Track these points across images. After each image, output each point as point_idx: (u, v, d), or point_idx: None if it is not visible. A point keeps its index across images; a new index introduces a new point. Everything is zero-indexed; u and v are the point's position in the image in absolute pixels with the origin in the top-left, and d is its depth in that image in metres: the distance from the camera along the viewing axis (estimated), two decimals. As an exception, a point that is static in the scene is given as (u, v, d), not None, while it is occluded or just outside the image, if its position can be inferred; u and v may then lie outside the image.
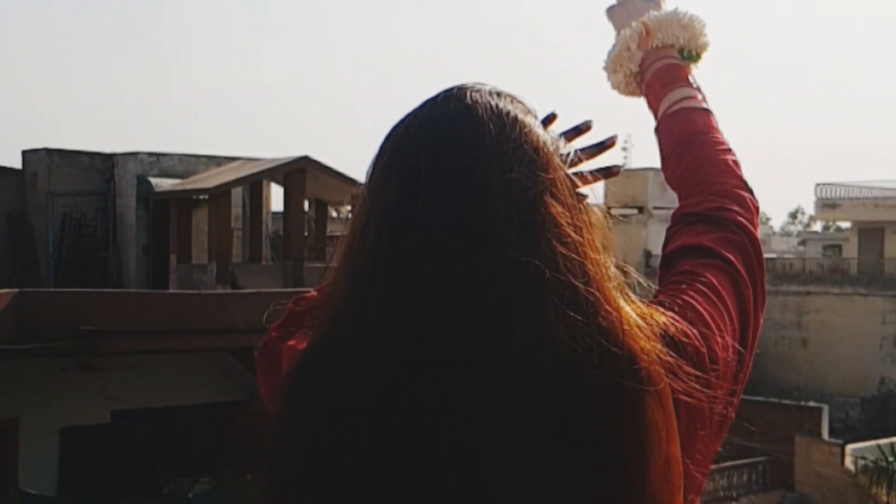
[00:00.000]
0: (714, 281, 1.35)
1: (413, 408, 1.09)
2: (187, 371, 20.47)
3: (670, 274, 1.38)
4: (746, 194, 1.50)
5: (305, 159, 23.50)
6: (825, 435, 28.66)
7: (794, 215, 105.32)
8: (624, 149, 43.37)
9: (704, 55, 1.72)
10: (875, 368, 37.50)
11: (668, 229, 1.49)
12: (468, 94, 1.22)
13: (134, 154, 25.81)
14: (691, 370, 1.19)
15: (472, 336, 1.10)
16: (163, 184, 25.26)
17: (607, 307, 1.14)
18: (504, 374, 1.08)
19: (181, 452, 20.14)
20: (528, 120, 1.22)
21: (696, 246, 1.41)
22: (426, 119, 1.21)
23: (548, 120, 1.34)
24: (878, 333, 38.10)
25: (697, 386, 1.19)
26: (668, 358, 1.16)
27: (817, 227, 71.45)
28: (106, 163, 26.06)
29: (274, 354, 1.52)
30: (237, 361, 20.98)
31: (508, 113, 1.21)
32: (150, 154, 25.98)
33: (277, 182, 25.37)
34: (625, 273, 1.23)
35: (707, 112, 1.63)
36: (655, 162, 1.72)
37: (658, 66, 1.68)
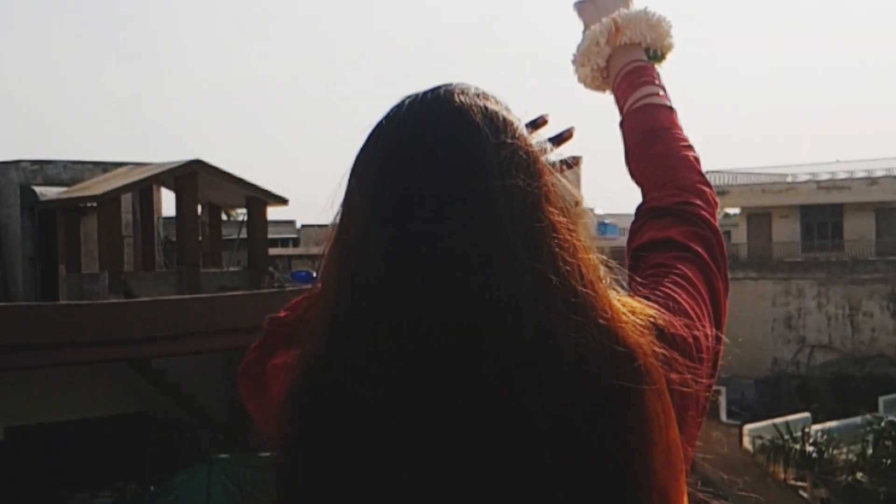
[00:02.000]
0: (688, 272, 1.41)
1: (430, 413, 1.12)
2: (83, 384, 20.08)
3: (644, 267, 1.42)
4: (707, 189, 1.56)
5: (197, 163, 23.20)
6: (723, 416, 29.22)
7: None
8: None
9: (669, 56, 1.77)
10: (768, 350, 38.38)
11: (633, 223, 1.53)
12: (456, 95, 1.24)
13: (16, 162, 25.18)
14: (684, 361, 1.25)
15: (482, 340, 1.13)
16: (48, 192, 24.71)
17: (604, 307, 1.19)
18: (515, 377, 1.13)
19: (80, 467, 19.77)
20: (517, 123, 1.26)
21: (665, 240, 1.46)
22: (419, 123, 1.22)
23: (537, 124, 1.42)
24: (769, 316, 39.00)
25: (690, 376, 1.25)
26: (663, 350, 1.22)
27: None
28: (-15, 172, 25.36)
29: (257, 375, 1.57)
30: (135, 372, 20.70)
31: (500, 116, 1.24)
32: (34, 162, 25.40)
33: (168, 187, 24.97)
34: (610, 269, 1.27)
35: (670, 109, 1.67)
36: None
37: (625, 64, 1.73)
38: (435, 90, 1.26)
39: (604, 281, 1.23)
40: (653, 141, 1.62)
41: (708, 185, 1.57)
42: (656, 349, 1.21)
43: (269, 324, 1.65)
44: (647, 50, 1.75)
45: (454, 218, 1.16)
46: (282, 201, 25.53)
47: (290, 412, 1.20)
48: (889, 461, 26.13)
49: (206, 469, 17.60)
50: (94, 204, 23.62)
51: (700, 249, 1.45)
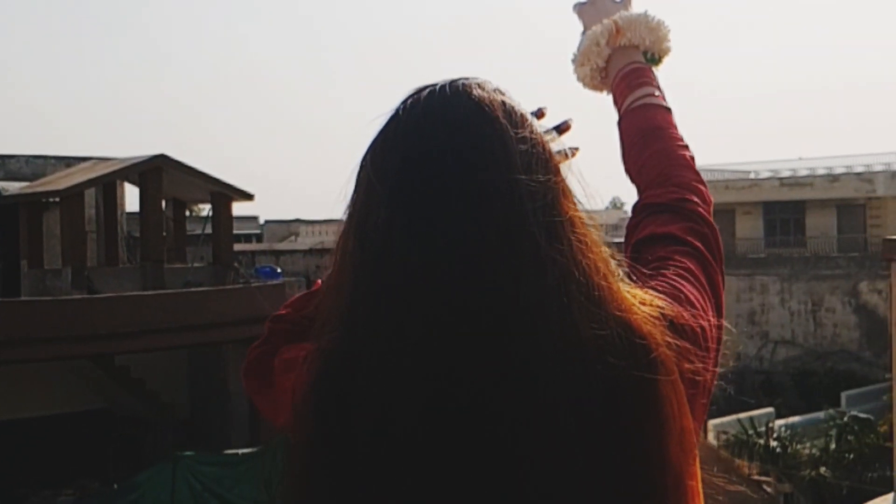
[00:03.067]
0: (690, 265, 1.46)
1: (459, 405, 1.15)
2: (45, 381, 19.91)
3: (646, 260, 1.45)
4: (703, 188, 1.61)
5: (162, 157, 22.99)
6: (687, 413, 29.34)
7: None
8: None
9: (665, 59, 1.82)
10: (732, 345, 38.52)
11: (632, 219, 1.58)
12: (475, 89, 1.27)
13: (-24, 157, 24.89)
14: (695, 350, 1.30)
15: (510, 334, 1.16)
16: (9, 187, 24.46)
17: (618, 299, 1.24)
18: (541, 369, 1.16)
19: (42, 464, 19.60)
20: (531, 118, 1.29)
21: (665, 234, 1.51)
22: (441, 115, 1.24)
23: (536, 116, 1.40)
24: (733, 311, 39.18)
25: (701, 365, 1.31)
26: (674, 341, 1.26)
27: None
28: (-55, 168, 25.08)
29: (263, 372, 1.59)
30: (98, 369, 20.54)
31: (517, 111, 1.28)
32: (-5, 157, 25.13)
33: (132, 182, 24.74)
34: (618, 262, 1.31)
35: (667, 110, 1.72)
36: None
37: (624, 65, 1.77)
38: (452, 83, 1.28)
39: (616, 274, 1.28)
40: (650, 140, 1.66)
41: (703, 183, 1.61)
42: (668, 339, 1.26)
43: (271, 321, 1.67)
44: (645, 53, 1.80)
45: (481, 211, 1.19)
46: (247, 196, 25.37)
47: (312, 404, 1.22)
48: (852, 456, 26.39)
49: (170, 467, 17.50)
50: (57, 199, 23.38)
51: (699, 244, 1.51)
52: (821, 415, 29.72)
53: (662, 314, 1.28)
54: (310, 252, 41.55)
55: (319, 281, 1.68)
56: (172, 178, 23.41)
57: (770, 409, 30.41)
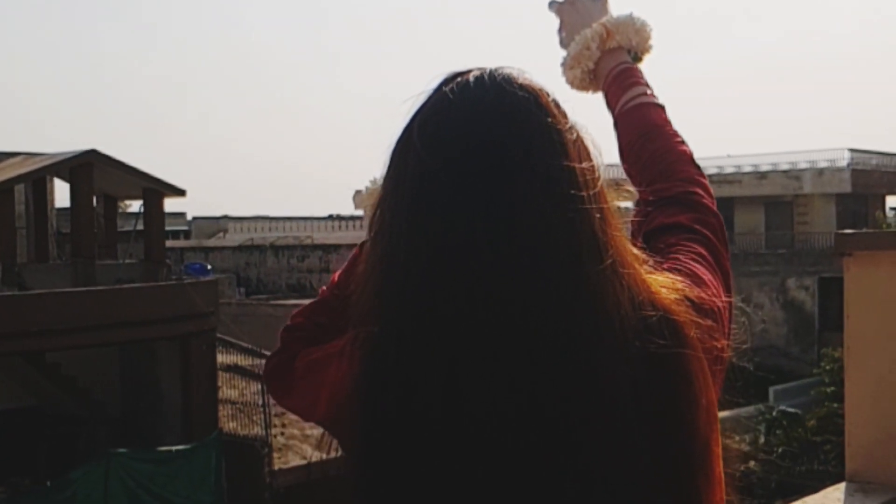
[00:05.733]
0: (700, 249, 1.54)
1: (517, 386, 1.21)
2: (-24, 378, 19.60)
3: (659, 248, 1.51)
4: (705, 181, 1.69)
5: (93, 153, 22.75)
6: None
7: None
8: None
9: (646, 58, 1.88)
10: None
11: (639, 212, 1.63)
12: (523, 79, 1.33)
13: None
14: (717, 327, 1.40)
15: (574, 314, 1.23)
16: (-64, 184, 24.04)
17: (647, 283, 1.32)
18: (600, 347, 1.24)
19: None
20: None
21: (674, 224, 1.58)
22: (499, 106, 1.29)
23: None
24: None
25: (722, 342, 1.40)
26: (699, 319, 1.35)
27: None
28: None
29: (284, 377, 1.67)
30: (29, 366, 20.27)
31: (559, 103, 1.34)
32: (-78, 152, 24.71)
33: (62, 178, 24.46)
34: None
35: (660, 107, 1.78)
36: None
37: (614, 67, 1.83)
38: (498, 70, 1.34)
39: (640, 259, 1.35)
40: (650, 138, 1.72)
41: (704, 177, 1.70)
42: (694, 319, 1.34)
43: (286, 331, 1.73)
44: (628, 52, 1.86)
45: (547, 197, 1.26)
46: (179, 192, 25.20)
47: (370, 389, 1.27)
48: (780, 449, 26.73)
49: (104, 464, 17.35)
50: (-14, 195, 23.05)
51: (706, 232, 1.58)
52: (750, 409, 30.09)
53: (685, 296, 1.37)
54: (239, 249, 41.35)
55: (324, 288, 1.75)
56: (103, 174, 23.17)
57: (699, 404, 30.63)
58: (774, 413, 28.48)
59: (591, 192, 1.29)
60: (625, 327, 1.26)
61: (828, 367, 26.35)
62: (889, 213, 40.22)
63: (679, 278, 1.40)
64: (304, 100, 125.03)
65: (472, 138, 1.27)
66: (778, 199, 41.42)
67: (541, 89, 1.33)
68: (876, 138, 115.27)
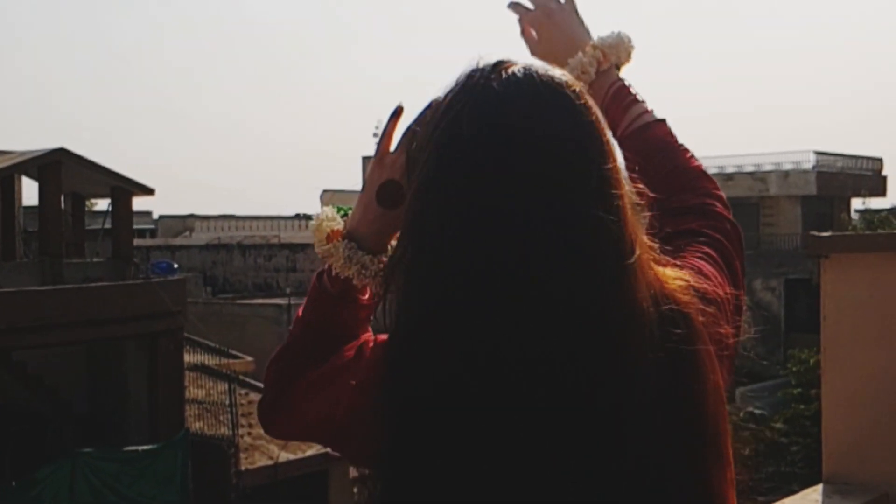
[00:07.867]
0: (708, 250, 1.61)
1: (553, 376, 1.25)
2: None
3: (667, 250, 1.53)
4: (721, 194, 1.76)
5: (61, 151, 22.61)
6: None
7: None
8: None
9: (623, 68, 1.91)
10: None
11: (652, 221, 1.64)
12: (564, 78, 1.37)
13: None
14: (721, 315, 1.48)
15: (602, 302, 1.28)
16: None
17: (658, 276, 1.38)
18: (627, 332, 1.30)
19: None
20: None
21: (686, 230, 1.65)
22: (532, 96, 1.32)
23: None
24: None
25: (728, 329, 1.48)
26: (706, 308, 1.43)
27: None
28: None
29: (282, 405, 1.66)
30: (-5, 365, 20.14)
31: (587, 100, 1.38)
32: None
33: (31, 176, 24.29)
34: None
35: (664, 122, 1.83)
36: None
37: (609, 86, 1.86)
38: (533, 65, 1.37)
39: (653, 251, 1.42)
40: (664, 157, 1.77)
41: (719, 189, 1.77)
42: (701, 307, 1.42)
43: (270, 370, 1.70)
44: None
45: (580, 189, 1.30)
46: (147, 191, 25.11)
47: (392, 390, 1.31)
48: (747, 450, 26.88)
49: (69, 463, 17.25)
50: (-48, 192, 22.87)
51: (719, 236, 1.66)
52: (716, 410, 30.19)
53: (692, 286, 1.44)
54: (206, 247, 41.16)
55: (291, 328, 1.72)
56: (71, 172, 23.03)
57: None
58: (742, 414, 28.64)
59: (623, 191, 1.34)
60: (649, 319, 1.32)
61: (794, 369, 26.55)
62: (854, 216, 40.60)
63: (683, 273, 1.46)
64: (277, 93, 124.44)
65: (530, 136, 1.29)
66: (744, 201, 41.63)
67: (581, 87, 1.38)
68: (839, 140, 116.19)
